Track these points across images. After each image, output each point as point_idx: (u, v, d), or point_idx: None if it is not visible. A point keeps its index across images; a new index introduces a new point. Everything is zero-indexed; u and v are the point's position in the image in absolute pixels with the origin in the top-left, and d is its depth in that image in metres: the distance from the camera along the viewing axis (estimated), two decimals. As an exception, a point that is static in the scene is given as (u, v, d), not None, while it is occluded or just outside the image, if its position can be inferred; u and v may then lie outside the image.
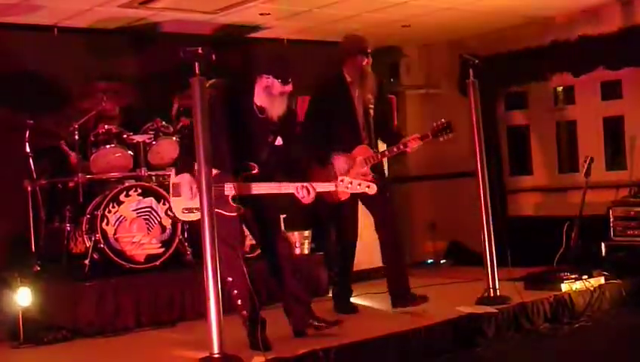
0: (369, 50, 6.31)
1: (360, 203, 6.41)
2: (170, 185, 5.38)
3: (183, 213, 5.32)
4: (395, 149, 6.31)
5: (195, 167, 4.91)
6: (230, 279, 5.18)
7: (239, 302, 5.22)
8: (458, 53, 6.73)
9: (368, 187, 5.22)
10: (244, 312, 5.24)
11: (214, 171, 5.00)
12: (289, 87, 5.35)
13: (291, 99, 5.51)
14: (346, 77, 6.34)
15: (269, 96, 5.32)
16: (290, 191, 5.25)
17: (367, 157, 6.26)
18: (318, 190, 5.25)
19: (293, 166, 5.46)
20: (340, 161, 6.19)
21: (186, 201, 5.28)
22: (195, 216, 5.22)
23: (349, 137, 6.28)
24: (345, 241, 6.51)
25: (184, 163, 5.36)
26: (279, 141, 5.45)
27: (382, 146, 6.53)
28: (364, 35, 6.53)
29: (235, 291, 5.20)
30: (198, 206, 5.07)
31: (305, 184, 5.22)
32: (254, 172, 5.24)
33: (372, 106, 6.32)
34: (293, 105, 6.87)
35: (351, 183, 5.20)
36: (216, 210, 4.90)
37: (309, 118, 6.43)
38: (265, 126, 5.35)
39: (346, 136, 6.28)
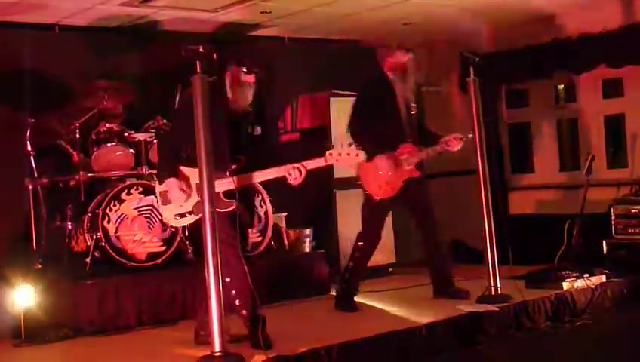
0: (408, 48, 6.42)
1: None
2: (158, 195, 5.31)
3: (176, 219, 5.26)
4: (438, 148, 6.43)
5: (180, 169, 5.01)
6: (228, 279, 5.05)
7: (237, 301, 5.15)
8: (459, 51, 6.72)
9: (357, 155, 5.12)
10: (244, 312, 5.19)
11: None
12: (251, 78, 5.30)
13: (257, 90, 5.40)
14: (388, 75, 6.44)
15: (237, 86, 5.29)
16: (282, 175, 5.22)
17: (411, 156, 6.35)
18: (309, 168, 5.21)
19: (270, 154, 5.46)
20: (384, 161, 6.27)
21: (177, 207, 5.21)
22: (188, 220, 5.20)
23: (393, 135, 6.38)
24: (370, 241, 6.55)
25: (166, 168, 5.24)
26: (257, 130, 5.45)
27: None
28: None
29: (234, 291, 5.13)
30: (190, 209, 5.13)
31: (296, 165, 5.19)
32: (241, 164, 5.21)
33: (414, 105, 6.44)
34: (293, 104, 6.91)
35: (340, 155, 5.13)
36: None
37: (354, 116, 6.48)
38: (241, 117, 5.35)
39: (390, 134, 6.36)
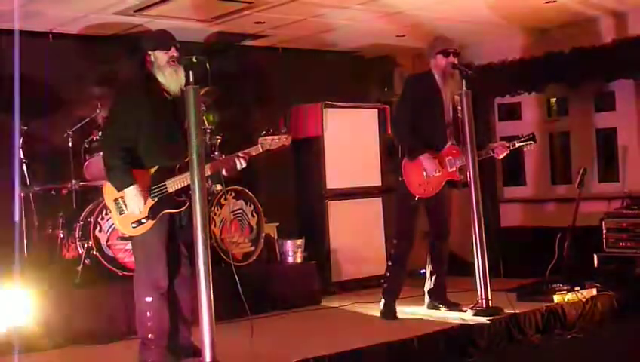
0: (451, 50, 6.46)
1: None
2: (111, 206, 5.01)
3: (133, 227, 4.96)
4: (483, 153, 6.50)
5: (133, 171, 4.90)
6: (150, 299, 5.00)
7: (149, 324, 5.01)
8: (451, 64, 6.74)
9: (286, 138, 5.19)
10: (151, 336, 5.02)
11: (153, 170, 4.97)
12: (173, 51, 5.03)
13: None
14: (435, 76, 6.51)
15: (160, 69, 5.01)
16: (231, 165, 5.18)
17: (456, 158, 6.42)
18: (252, 155, 5.20)
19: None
20: (429, 161, 6.33)
21: (134, 215, 4.94)
22: (146, 226, 4.95)
23: (438, 136, 6.44)
24: (405, 240, 6.59)
25: (125, 173, 4.90)
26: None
27: None
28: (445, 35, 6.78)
29: (149, 313, 5.00)
30: (146, 214, 4.93)
31: (240, 154, 5.16)
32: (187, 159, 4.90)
33: (459, 107, 6.46)
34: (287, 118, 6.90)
35: (272, 140, 5.19)
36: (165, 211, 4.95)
37: (399, 114, 6.58)
38: (176, 106, 5.04)
39: (435, 135, 6.43)
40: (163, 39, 5.12)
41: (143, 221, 4.96)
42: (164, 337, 5.08)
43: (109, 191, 5.02)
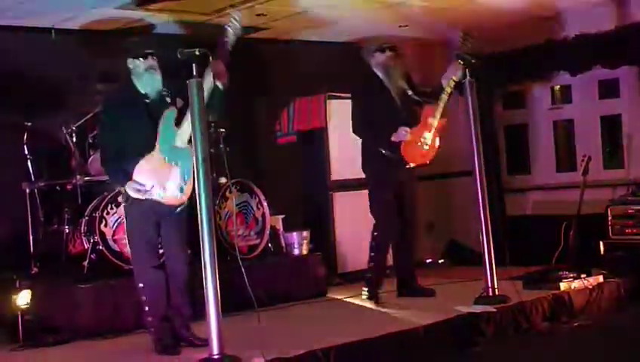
0: (385, 46, 6.81)
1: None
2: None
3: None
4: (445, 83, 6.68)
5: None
6: (141, 285, 5.39)
7: (147, 308, 5.40)
8: (454, 53, 6.74)
9: None
10: (150, 318, 5.41)
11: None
12: (150, 60, 5.34)
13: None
14: (377, 73, 6.82)
15: (140, 77, 5.35)
16: None
17: (434, 113, 6.70)
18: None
19: None
20: (417, 130, 6.69)
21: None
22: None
23: (395, 126, 6.63)
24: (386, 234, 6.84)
25: (120, 171, 5.31)
26: (180, 103, 5.37)
27: None
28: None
29: (144, 297, 5.39)
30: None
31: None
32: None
33: (409, 90, 6.77)
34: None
35: None
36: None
37: (355, 118, 6.84)
38: (159, 101, 5.37)
39: (393, 127, 6.64)
40: (141, 49, 5.41)
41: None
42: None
43: None
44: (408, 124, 6.65)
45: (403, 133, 6.61)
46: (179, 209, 5.34)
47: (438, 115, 6.68)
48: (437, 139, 6.74)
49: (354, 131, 6.81)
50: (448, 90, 6.65)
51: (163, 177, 5.25)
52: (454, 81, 6.63)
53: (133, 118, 5.31)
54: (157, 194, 5.24)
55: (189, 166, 5.20)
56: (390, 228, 6.77)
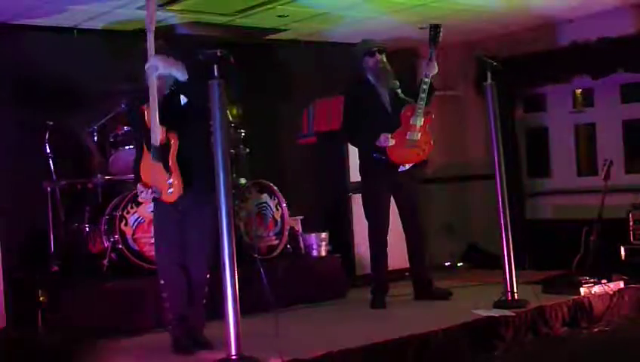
0: (374, 48, 6.77)
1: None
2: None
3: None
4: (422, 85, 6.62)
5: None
6: (162, 282, 5.44)
7: (167, 305, 5.45)
8: (475, 55, 6.72)
9: None
10: (170, 316, 5.46)
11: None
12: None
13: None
14: (367, 77, 6.78)
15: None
16: None
17: (413, 114, 6.63)
18: None
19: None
20: (398, 134, 6.66)
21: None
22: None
23: (383, 129, 6.62)
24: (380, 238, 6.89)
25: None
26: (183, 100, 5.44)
27: None
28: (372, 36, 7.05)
29: (165, 294, 5.43)
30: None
31: None
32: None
33: (399, 91, 6.70)
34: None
35: None
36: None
37: (345, 119, 6.93)
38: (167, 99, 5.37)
39: (380, 129, 6.63)
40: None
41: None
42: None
43: None
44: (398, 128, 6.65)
45: (384, 140, 6.60)
46: (180, 206, 5.33)
47: (420, 114, 6.61)
48: (428, 135, 6.71)
49: (343, 135, 7.00)
50: (424, 87, 6.57)
51: (154, 176, 5.29)
52: (428, 78, 6.57)
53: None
54: (156, 193, 5.30)
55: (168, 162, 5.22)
56: (379, 234, 6.82)
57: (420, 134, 6.66)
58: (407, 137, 6.64)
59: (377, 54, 6.75)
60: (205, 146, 5.21)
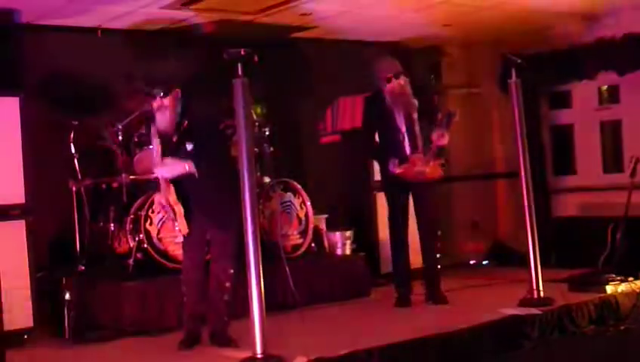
0: (390, 75, 6.59)
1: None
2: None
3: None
4: (430, 149, 6.57)
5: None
6: (182, 278, 5.64)
7: (185, 299, 5.61)
8: (500, 52, 6.68)
9: None
10: (187, 311, 5.59)
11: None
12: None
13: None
14: (385, 96, 6.66)
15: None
16: None
17: (423, 164, 6.58)
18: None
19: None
20: (392, 163, 6.63)
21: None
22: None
23: (395, 148, 6.60)
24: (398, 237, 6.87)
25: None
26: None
27: None
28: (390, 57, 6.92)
29: (184, 288, 5.61)
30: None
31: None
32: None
33: (415, 114, 6.58)
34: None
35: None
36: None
37: (363, 129, 7.04)
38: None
39: (393, 148, 6.62)
40: None
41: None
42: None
43: None
44: (413, 147, 6.59)
45: (392, 166, 6.60)
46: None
47: (429, 163, 6.58)
48: (437, 161, 6.63)
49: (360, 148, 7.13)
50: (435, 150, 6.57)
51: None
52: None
53: None
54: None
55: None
56: (395, 232, 6.82)
57: (428, 169, 6.61)
58: (415, 169, 6.59)
59: (394, 79, 6.60)
60: (222, 176, 5.35)
